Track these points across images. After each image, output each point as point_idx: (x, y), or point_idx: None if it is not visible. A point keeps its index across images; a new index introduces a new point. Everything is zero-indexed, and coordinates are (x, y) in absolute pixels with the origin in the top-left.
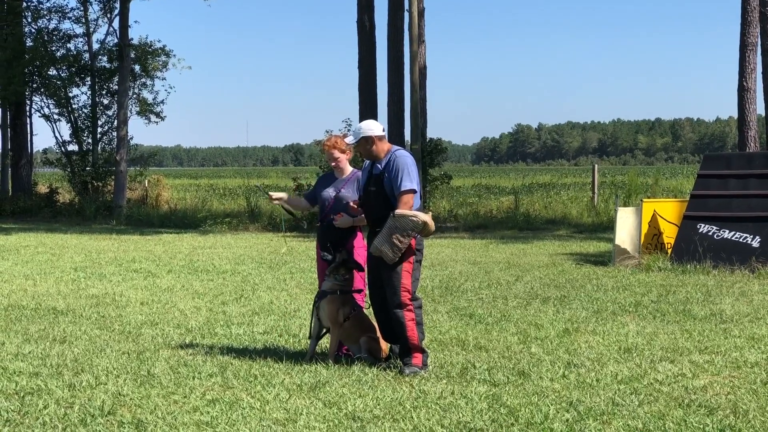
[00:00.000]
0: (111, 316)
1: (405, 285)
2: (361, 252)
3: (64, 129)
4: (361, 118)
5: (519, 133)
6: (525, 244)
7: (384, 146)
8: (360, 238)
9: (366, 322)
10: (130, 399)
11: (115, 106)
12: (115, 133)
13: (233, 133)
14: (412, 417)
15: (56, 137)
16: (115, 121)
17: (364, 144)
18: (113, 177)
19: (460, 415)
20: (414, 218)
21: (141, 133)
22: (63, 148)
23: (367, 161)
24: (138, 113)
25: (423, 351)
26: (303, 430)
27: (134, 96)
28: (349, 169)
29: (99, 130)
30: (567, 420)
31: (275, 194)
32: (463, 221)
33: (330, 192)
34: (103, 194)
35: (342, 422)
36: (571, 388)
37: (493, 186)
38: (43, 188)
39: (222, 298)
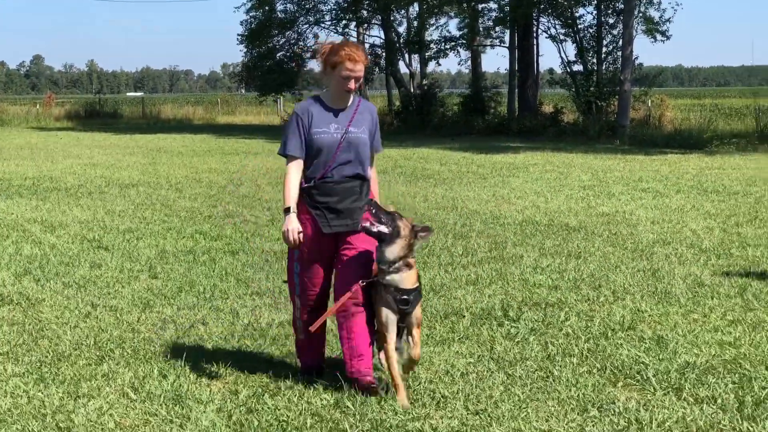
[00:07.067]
0: (622, 234)
1: None
2: None
3: (569, 49)
4: None
5: None
6: None
7: None
8: None
9: None
10: (649, 315)
11: (620, 26)
12: (619, 53)
13: (737, 52)
14: None
15: (561, 57)
16: (620, 40)
17: None
18: (617, 97)
19: None
20: None
21: (643, 52)
22: (568, 69)
23: None
24: (644, 32)
25: None
26: None
27: (640, 14)
28: None
29: (603, 50)
30: None
31: None
32: None
33: None
34: (606, 114)
35: None
36: None
37: None
38: (548, 108)
39: (735, 219)
